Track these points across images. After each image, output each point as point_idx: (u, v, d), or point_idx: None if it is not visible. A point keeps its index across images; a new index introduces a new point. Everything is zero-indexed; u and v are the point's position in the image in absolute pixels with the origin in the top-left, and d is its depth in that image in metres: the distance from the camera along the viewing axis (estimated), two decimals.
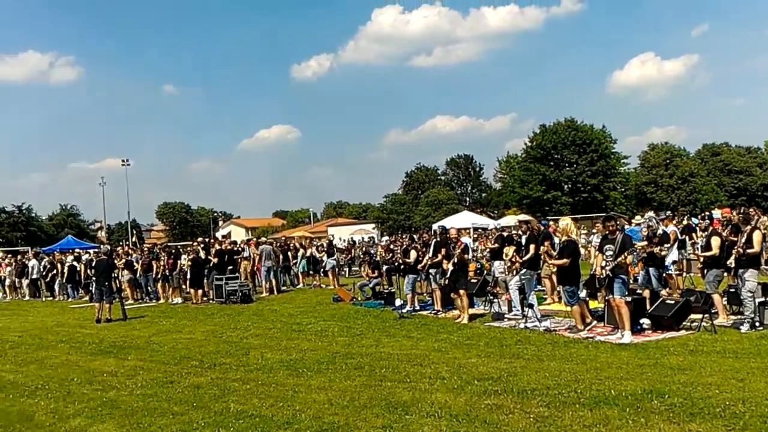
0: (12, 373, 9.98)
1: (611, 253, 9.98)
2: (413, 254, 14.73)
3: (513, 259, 13.09)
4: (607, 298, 10.51)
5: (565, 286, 11.06)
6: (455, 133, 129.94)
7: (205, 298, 19.43)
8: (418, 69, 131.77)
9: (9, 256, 30.48)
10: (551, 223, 16.36)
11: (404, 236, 32.26)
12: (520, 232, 14.66)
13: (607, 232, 10.53)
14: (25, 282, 26.25)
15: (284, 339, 11.81)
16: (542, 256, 11.94)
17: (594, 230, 19.28)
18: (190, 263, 19.49)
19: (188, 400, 7.55)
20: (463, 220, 37.28)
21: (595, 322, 11.21)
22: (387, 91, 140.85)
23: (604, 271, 10.07)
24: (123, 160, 74.85)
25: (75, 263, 24.60)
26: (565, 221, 11.55)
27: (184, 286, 20.21)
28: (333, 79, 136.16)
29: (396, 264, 17.14)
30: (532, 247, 12.38)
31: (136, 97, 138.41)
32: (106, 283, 16.12)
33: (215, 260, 19.77)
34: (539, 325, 11.28)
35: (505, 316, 12.70)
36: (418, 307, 14.86)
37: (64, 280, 24.65)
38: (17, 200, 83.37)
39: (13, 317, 18.87)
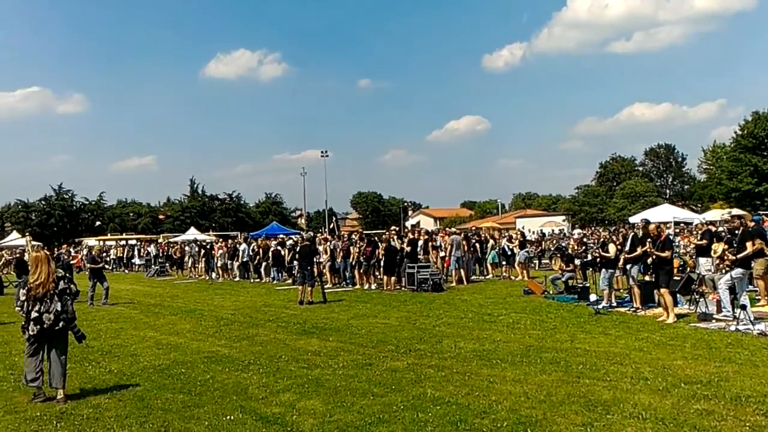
0: (227, 348, 10.86)
1: None
2: (612, 248, 14.18)
3: (724, 257, 12.15)
4: None
5: None
6: (655, 121, 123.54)
7: (397, 286, 19.99)
8: (616, 55, 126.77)
9: (222, 240, 33.25)
10: (765, 218, 14.98)
11: (601, 229, 31.06)
12: (726, 228, 13.58)
13: None
14: (235, 264, 28.50)
15: (476, 329, 11.87)
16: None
17: None
18: (384, 251, 20.17)
19: (387, 383, 7.83)
20: (664, 213, 35.01)
21: None
22: (582, 79, 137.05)
23: None
24: (322, 152, 79.34)
25: (279, 248, 26.33)
26: None
27: (378, 273, 20.95)
28: (525, 68, 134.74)
29: (591, 258, 16.58)
30: (748, 244, 11.43)
31: (334, 91, 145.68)
32: (309, 268, 17.11)
33: (408, 248, 20.28)
34: (752, 328, 10.41)
35: (714, 316, 11.84)
36: (615, 304, 14.31)
37: (270, 264, 26.46)
38: (228, 189, 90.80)
39: (225, 296, 20.53)
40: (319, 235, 28.98)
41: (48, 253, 8.16)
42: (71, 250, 39.04)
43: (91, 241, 51.94)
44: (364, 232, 28.42)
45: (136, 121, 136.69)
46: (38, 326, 7.35)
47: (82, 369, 9.36)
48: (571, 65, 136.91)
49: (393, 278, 20.08)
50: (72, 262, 26.93)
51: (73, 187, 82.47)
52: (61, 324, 7.44)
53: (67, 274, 8.13)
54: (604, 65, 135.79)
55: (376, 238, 21.91)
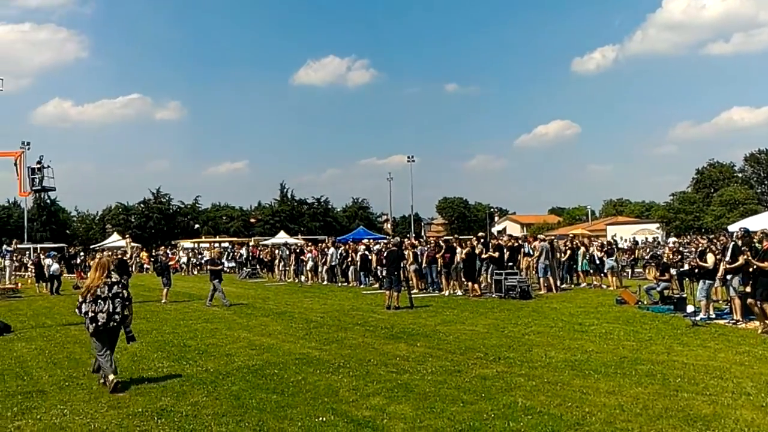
0: (317, 350, 11.05)
1: None
2: (711, 258, 13.63)
3: None
4: None
5: None
6: (756, 125, 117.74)
7: (476, 292, 19.83)
8: (713, 57, 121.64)
9: (311, 243, 33.89)
10: None
11: (699, 237, 29.85)
12: None
13: None
14: (324, 268, 29.02)
15: (567, 338, 11.65)
16: None
17: None
18: (464, 256, 20.08)
19: (476, 390, 7.80)
20: (765, 222, 33.28)
21: None
22: (676, 82, 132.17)
23: None
24: (408, 157, 79.81)
25: (366, 252, 26.61)
26: None
27: (464, 279, 20.85)
28: (617, 71, 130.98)
29: (689, 267, 15.97)
30: None
31: (421, 96, 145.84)
32: (395, 273, 17.22)
33: (496, 254, 20.11)
34: None
35: None
36: (713, 315, 13.74)
37: (357, 268, 26.77)
38: (317, 193, 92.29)
39: (314, 299, 20.90)
40: (405, 240, 29.11)
41: (107, 260, 9.06)
42: (168, 252, 40.68)
43: (187, 244, 54.08)
44: (447, 237, 28.25)
45: (229, 127, 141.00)
46: (94, 324, 8.34)
47: (180, 367, 9.74)
48: (666, 68, 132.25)
49: (476, 285, 19.97)
50: (170, 263, 28.05)
51: (170, 191, 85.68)
52: (112, 323, 8.41)
53: (123, 280, 9.12)
54: (700, 68, 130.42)
55: (455, 244, 21.75)
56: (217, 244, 44.99)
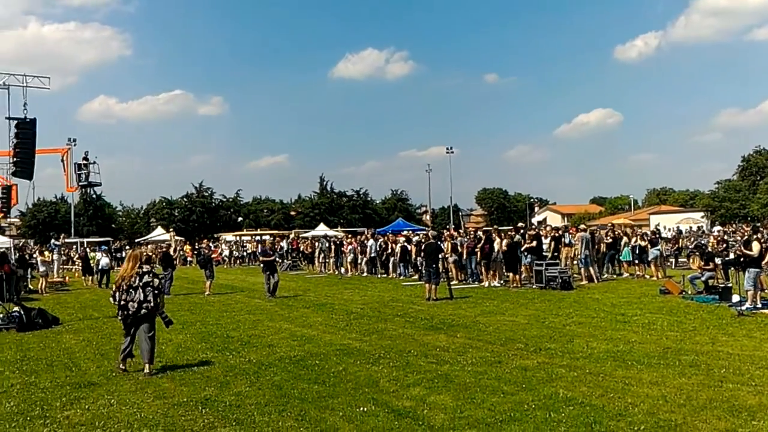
0: (357, 341, 11.14)
1: None
2: (756, 246, 13.32)
3: None
4: None
5: None
6: None
7: (515, 284, 19.72)
8: (759, 43, 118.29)
9: (351, 236, 34.04)
10: None
11: (744, 226, 29.22)
12: None
13: None
14: (363, 259, 29.16)
15: (609, 329, 11.53)
16: None
17: None
18: (505, 248, 19.97)
19: (517, 381, 7.79)
20: None
21: None
22: (721, 69, 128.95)
23: None
24: (447, 148, 79.40)
25: (406, 244, 26.63)
26: None
27: (504, 270, 20.75)
28: (660, 58, 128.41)
29: (734, 256, 15.65)
30: None
31: (461, 87, 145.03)
32: (434, 265, 17.23)
33: (534, 243, 19.97)
34: None
35: None
36: (759, 305, 13.43)
37: (397, 259, 26.83)
38: (356, 185, 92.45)
39: (354, 291, 21.02)
40: (444, 231, 29.05)
41: (139, 252, 9.87)
42: (210, 245, 41.27)
43: (229, 237, 54.79)
44: (496, 227, 28.08)
45: (269, 121, 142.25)
46: (125, 312, 8.94)
47: (223, 358, 9.92)
48: (710, 54, 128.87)
49: (516, 275, 19.89)
50: (213, 256, 28.48)
51: (212, 185, 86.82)
52: (143, 311, 8.88)
53: (154, 271, 9.52)
54: (746, 53, 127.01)
55: (495, 235, 21.62)
56: (260, 237, 45.45)
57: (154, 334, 9.09)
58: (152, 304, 8.93)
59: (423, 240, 22.15)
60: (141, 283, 8.92)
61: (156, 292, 9.03)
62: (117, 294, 8.99)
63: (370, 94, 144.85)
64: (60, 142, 45.99)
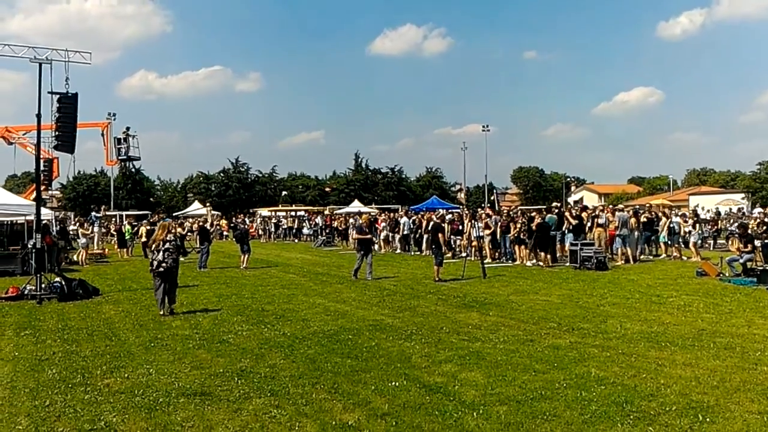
0: (390, 318, 11.23)
1: None
2: None
3: None
4: None
5: None
6: None
7: (552, 263, 19.63)
8: None
9: (383, 212, 34.10)
10: None
11: None
12: None
13: None
14: (397, 237, 29.23)
15: (644, 310, 11.45)
16: None
17: None
18: (537, 227, 19.89)
19: (549, 360, 7.81)
20: None
21: None
22: (765, 47, 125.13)
23: None
24: (483, 126, 78.94)
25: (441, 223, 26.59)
26: None
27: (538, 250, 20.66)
28: (705, 35, 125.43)
29: None
30: None
31: (499, 63, 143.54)
32: (433, 245, 17.29)
33: (575, 222, 19.83)
34: None
35: None
36: None
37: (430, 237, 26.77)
38: (391, 163, 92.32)
39: (387, 267, 21.07)
40: (479, 210, 28.95)
41: (167, 223, 13.24)
42: (246, 219, 41.72)
43: (264, 212, 55.30)
44: (521, 207, 27.94)
45: (306, 98, 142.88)
46: (153, 267, 11.77)
47: (259, 331, 10.10)
48: (756, 32, 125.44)
49: (548, 255, 19.81)
50: (250, 230, 28.83)
51: (248, 161, 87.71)
52: (162, 268, 11.57)
53: (177, 240, 12.95)
54: None
55: (535, 214, 21.50)
56: (295, 212, 45.69)
57: (171, 288, 11.77)
58: (167, 265, 11.57)
59: (456, 217, 22.11)
60: (163, 248, 11.64)
61: (174, 256, 11.79)
62: (149, 254, 12.50)
63: (406, 71, 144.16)
64: (100, 116, 46.87)
